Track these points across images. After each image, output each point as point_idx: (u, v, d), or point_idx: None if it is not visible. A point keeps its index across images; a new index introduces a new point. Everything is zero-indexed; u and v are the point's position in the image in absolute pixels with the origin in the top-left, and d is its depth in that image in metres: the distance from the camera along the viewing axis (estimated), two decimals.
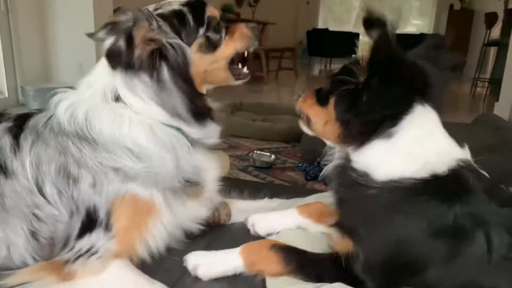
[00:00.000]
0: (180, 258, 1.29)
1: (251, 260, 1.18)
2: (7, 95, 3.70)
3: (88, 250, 1.15)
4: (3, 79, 3.67)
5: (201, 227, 1.42)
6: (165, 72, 1.20)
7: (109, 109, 1.22)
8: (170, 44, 1.21)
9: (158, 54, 1.19)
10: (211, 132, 1.35)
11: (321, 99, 1.22)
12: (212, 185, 1.43)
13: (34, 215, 1.19)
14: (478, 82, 6.33)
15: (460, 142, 1.10)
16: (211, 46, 1.31)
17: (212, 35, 1.31)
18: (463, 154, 1.07)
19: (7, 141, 1.23)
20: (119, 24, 1.15)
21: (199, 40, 1.29)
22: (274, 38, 10.76)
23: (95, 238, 1.16)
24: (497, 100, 3.93)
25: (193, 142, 1.31)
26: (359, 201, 1.09)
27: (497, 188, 1.05)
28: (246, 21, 8.13)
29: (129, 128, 1.21)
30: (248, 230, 1.46)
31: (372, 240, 1.04)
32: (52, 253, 1.21)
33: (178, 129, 1.28)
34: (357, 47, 1.25)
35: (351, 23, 13.38)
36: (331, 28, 11.45)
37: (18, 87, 3.76)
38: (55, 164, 1.20)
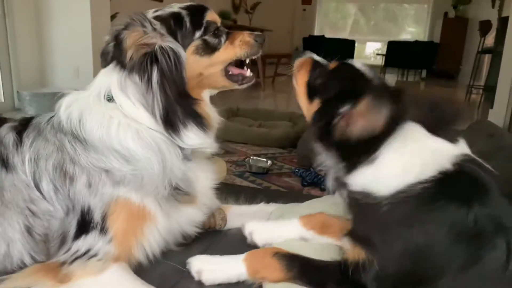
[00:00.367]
0: (177, 263, 1.29)
1: (255, 268, 1.18)
2: (3, 100, 3.69)
3: (86, 252, 1.15)
4: None
5: (198, 230, 1.42)
6: (155, 75, 1.21)
7: (100, 110, 1.24)
8: (163, 48, 1.21)
9: (150, 57, 1.20)
10: (198, 139, 1.29)
11: (311, 89, 1.22)
12: (206, 192, 1.42)
13: (30, 210, 1.20)
14: (473, 89, 6.38)
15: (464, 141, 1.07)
16: (208, 49, 1.31)
17: (210, 38, 1.31)
18: (461, 149, 1.04)
19: (11, 137, 1.27)
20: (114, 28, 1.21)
21: (196, 42, 1.29)
22: (270, 45, 10.79)
23: (92, 240, 1.16)
24: (492, 107, 3.96)
25: (185, 149, 1.30)
26: (372, 218, 1.04)
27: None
28: (242, 27, 8.18)
29: (117, 130, 1.22)
30: (244, 236, 1.45)
31: (388, 250, 0.99)
32: (48, 250, 1.21)
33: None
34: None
35: (347, 30, 13.47)
36: (327, 35, 11.54)
37: (14, 92, 3.75)
38: (53, 160, 1.21)
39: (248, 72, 1.45)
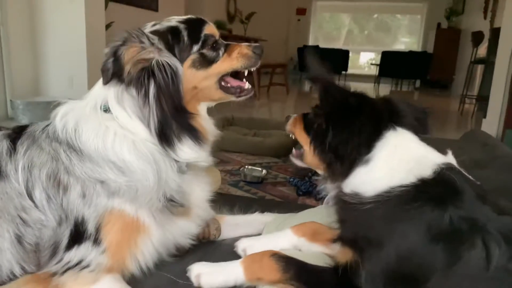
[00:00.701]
0: (171, 274, 1.28)
1: (252, 270, 1.19)
2: None
3: (78, 263, 1.14)
4: None
5: (192, 242, 1.41)
6: (152, 89, 1.21)
7: (96, 120, 1.24)
8: (160, 63, 1.21)
9: (147, 72, 1.21)
10: (193, 153, 1.29)
11: (307, 127, 1.29)
12: (201, 204, 1.41)
13: (21, 218, 1.18)
14: (466, 99, 6.43)
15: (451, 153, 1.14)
16: (206, 62, 1.31)
17: (207, 52, 1.31)
18: (446, 159, 1.10)
19: (5, 144, 1.26)
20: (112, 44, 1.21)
21: (193, 56, 1.29)
22: (265, 54, 10.79)
23: (84, 251, 1.15)
24: (485, 117, 3.99)
25: (180, 162, 1.30)
26: (357, 217, 1.11)
27: (490, 195, 1.04)
28: (237, 37, 8.21)
29: (113, 141, 1.22)
30: None
31: (372, 249, 1.04)
32: (38, 261, 1.20)
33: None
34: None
35: (341, 41, 13.60)
36: (322, 45, 11.63)
37: (7, 100, 3.73)
38: (47, 169, 1.20)
39: (246, 85, 1.43)
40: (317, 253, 1.34)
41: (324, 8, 13.27)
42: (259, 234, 1.56)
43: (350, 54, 11.49)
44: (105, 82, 1.22)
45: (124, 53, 1.17)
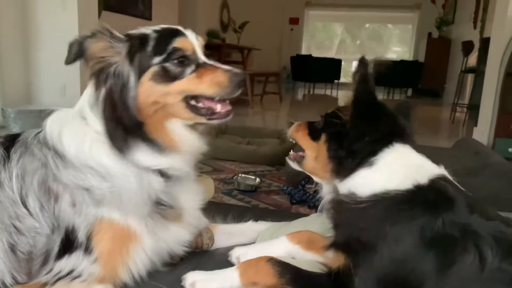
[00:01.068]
0: (164, 283, 1.26)
1: (248, 275, 1.19)
2: None
3: (69, 273, 1.12)
4: None
5: (186, 249, 1.39)
6: (102, 91, 1.19)
7: (75, 125, 1.24)
8: (115, 69, 1.19)
9: (105, 74, 1.19)
10: (149, 161, 1.22)
11: (313, 134, 1.30)
12: (192, 212, 1.39)
13: (15, 226, 1.17)
14: (457, 107, 6.50)
15: (444, 166, 1.18)
16: (167, 78, 1.21)
17: (171, 66, 1.21)
18: (440, 170, 1.15)
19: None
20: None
21: (154, 68, 1.20)
22: (259, 63, 10.93)
23: (75, 260, 1.14)
24: (476, 125, 4.02)
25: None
26: (350, 218, 1.14)
27: (480, 204, 1.08)
28: (231, 46, 8.21)
29: (90, 146, 1.20)
30: None
31: (365, 252, 1.06)
32: (29, 269, 1.18)
33: None
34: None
35: (334, 50, 13.71)
36: (314, 54, 11.70)
37: None
38: (38, 176, 1.19)
39: (219, 107, 1.28)
40: (311, 261, 1.34)
41: (316, 17, 13.38)
42: (253, 243, 1.55)
43: (343, 63, 11.57)
44: (67, 63, 1.20)
45: (89, 47, 1.16)
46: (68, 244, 1.16)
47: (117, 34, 1.21)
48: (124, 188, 1.19)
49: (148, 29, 1.26)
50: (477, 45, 6.37)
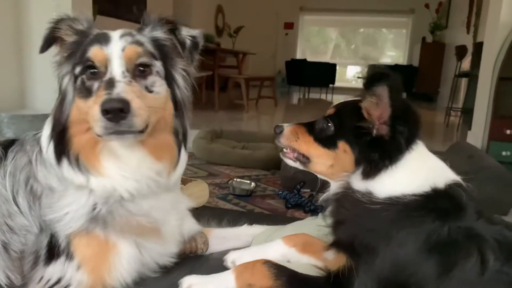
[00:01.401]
0: None
1: (244, 277, 1.19)
2: None
3: (57, 282, 1.12)
4: None
5: (172, 261, 1.36)
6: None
7: None
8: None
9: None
10: (72, 176, 1.14)
11: (324, 141, 1.23)
12: (171, 225, 1.33)
13: (7, 225, 1.17)
14: (451, 111, 6.53)
15: None
16: (84, 92, 1.10)
17: (86, 80, 1.11)
18: (455, 176, 1.16)
19: None
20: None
21: (78, 79, 1.13)
22: (254, 68, 10.95)
23: (60, 267, 1.13)
24: (470, 129, 4.04)
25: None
26: (359, 217, 1.13)
27: (485, 211, 1.11)
28: (226, 51, 8.21)
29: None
30: None
31: (368, 254, 1.06)
32: (22, 268, 1.18)
33: None
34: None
35: (328, 54, 13.77)
36: (309, 59, 11.74)
37: None
38: (24, 173, 1.20)
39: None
40: (306, 265, 1.33)
41: (311, 22, 13.44)
42: (248, 247, 1.54)
43: (337, 68, 11.61)
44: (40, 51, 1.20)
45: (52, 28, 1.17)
46: (53, 249, 1.15)
47: (76, 28, 1.18)
48: (64, 196, 1.17)
49: (107, 32, 1.17)
50: (470, 49, 6.41)
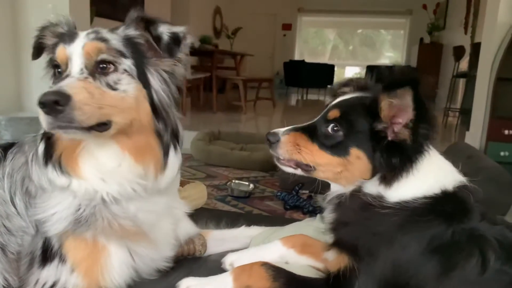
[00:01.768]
0: None
1: (242, 279, 1.19)
2: None
3: (53, 286, 1.11)
4: None
5: (167, 265, 1.35)
6: None
7: None
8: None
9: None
10: (56, 179, 1.14)
11: (332, 148, 1.12)
12: (161, 228, 1.31)
13: (5, 227, 1.17)
14: (449, 112, 6.54)
15: None
16: None
17: (54, 79, 1.11)
18: (462, 178, 1.15)
19: None
20: None
21: (52, 79, 1.14)
22: (252, 69, 10.95)
23: (55, 270, 1.13)
24: (468, 129, 4.05)
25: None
26: (367, 220, 1.10)
27: (487, 213, 1.11)
28: (224, 52, 8.21)
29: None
30: None
31: (371, 255, 1.05)
32: (18, 269, 1.18)
33: None
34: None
35: (326, 55, 13.78)
36: (307, 60, 11.76)
37: None
38: (21, 173, 1.20)
39: None
40: (304, 266, 1.33)
41: (309, 23, 13.46)
42: (246, 248, 1.54)
43: (336, 69, 11.62)
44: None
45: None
46: (47, 250, 1.15)
47: (59, 29, 1.19)
48: (51, 196, 1.17)
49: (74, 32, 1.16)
50: (468, 50, 6.42)
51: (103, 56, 1.09)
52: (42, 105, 0.97)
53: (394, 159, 1.06)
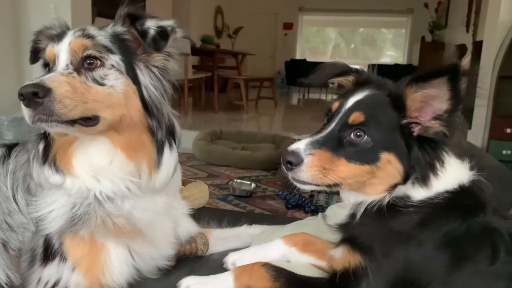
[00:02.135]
0: None
1: (242, 279, 1.19)
2: None
3: (55, 284, 1.12)
4: None
5: (168, 263, 1.35)
6: None
7: None
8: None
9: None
10: (52, 179, 1.14)
11: (362, 157, 1.02)
12: (159, 227, 1.30)
13: (7, 223, 1.18)
14: None
15: None
16: None
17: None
18: (474, 174, 1.14)
19: (0, 151, 1.27)
20: None
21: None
22: (253, 68, 10.95)
23: (56, 268, 1.13)
24: (470, 128, 4.04)
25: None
26: (388, 220, 1.06)
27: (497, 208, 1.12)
28: (226, 52, 8.19)
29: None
30: None
31: (388, 255, 1.04)
32: (19, 266, 1.19)
33: None
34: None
35: (328, 54, 13.77)
36: (309, 59, 11.74)
37: None
38: (23, 171, 1.21)
39: None
40: (306, 265, 1.33)
41: (310, 22, 13.44)
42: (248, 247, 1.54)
43: None
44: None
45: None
46: (47, 249, 1.15)
47: (52, 32, 1.20)
48: (48, 194, 1.17)
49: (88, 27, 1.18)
50: (470, 48, 6.41)
51: (89, 52, 1.09)
52: (22, 96, 0.99)
53: (430, 155, 1.01)
